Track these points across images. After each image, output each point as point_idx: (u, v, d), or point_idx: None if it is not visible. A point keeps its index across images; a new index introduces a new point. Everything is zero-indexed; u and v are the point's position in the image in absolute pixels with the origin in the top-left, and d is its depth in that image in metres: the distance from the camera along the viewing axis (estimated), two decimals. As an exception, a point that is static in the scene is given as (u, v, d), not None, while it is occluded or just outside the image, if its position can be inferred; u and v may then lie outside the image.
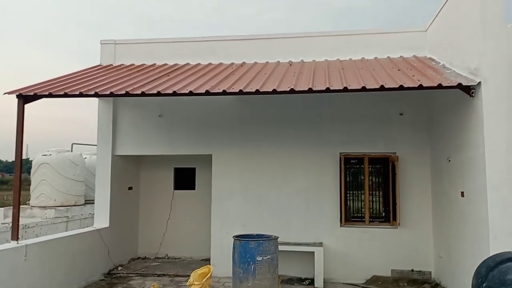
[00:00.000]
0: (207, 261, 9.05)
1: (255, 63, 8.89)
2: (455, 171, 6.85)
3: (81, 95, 6.67)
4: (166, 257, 10.18)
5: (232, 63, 8.94)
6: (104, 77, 7.92)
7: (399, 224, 8.27)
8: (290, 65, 8.53)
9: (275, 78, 7.19)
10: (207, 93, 6.43)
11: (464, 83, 5.77)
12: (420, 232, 8.24)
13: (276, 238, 6.84)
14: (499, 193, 5.53)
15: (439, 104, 7.71)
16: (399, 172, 8.35)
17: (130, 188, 10.02)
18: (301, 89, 6.24)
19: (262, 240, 6.64)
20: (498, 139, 5.59)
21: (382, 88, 5.93)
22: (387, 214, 8.59)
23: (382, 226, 8.47)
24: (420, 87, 5.85)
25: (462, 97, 6.13)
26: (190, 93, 6.47)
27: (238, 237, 6.80)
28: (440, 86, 5.80)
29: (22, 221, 8.28)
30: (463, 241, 6.55)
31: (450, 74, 6.39)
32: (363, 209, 8.74)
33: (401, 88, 5.89)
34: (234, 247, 6.73)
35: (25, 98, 6.69)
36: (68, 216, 10.70)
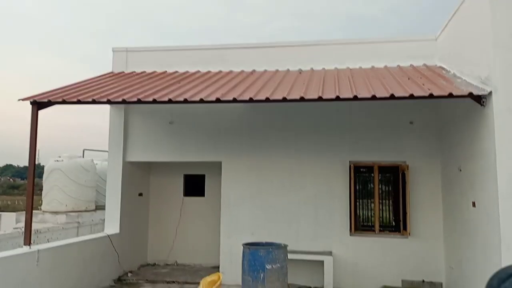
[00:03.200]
0: (216, 268, 9.05)
1: (265, 71, 8.95)
2: (466, 181, 6.80)
3: (93, 102, 6.77)
4: (175, 263, 10.20)
5: (242, 71, 9.01)
6: (116, 84, 8.03)
7: (409, 233, 8.21)
8: (300, 73, 8.57)
9: (285, 86, 7.23)
10: (218, 100, 6.48)
11: (475, 92, 5.75)
12: (430, 242, 8.17)
13: (286, 246, 6.83)
14: (511, 203, 5.47)
15: (449, 112, 7.67)
16: (409, 181, 8.30)
17: (140, 195, 10.09)
18: (311, 98, 6.27)
19: (272, 248, 6.65)
20: (509, 148, 5.54)
21: (392, 97, 5.93)
22: (397, 224, 8.53)
23: (392, 236, 8.41)
24: (431, 96, 5.84)
25: (473, 106, 6.10)
26: (201, 101, 6.54)
27: (247, 245, 6.81)
28: (450, 96, 5.78)
29: (34, 226, 8.37)
30: (474, 252, 6.48)
31: (461, 83, 6.37)
32: (372, 218, 8.69)
33: (411, 97, 5.88)
34: (243, 255, 6.74)
35: (39, 104, 6.81)
36: (79, 222, 10.80)
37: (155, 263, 10.24)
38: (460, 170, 7.06)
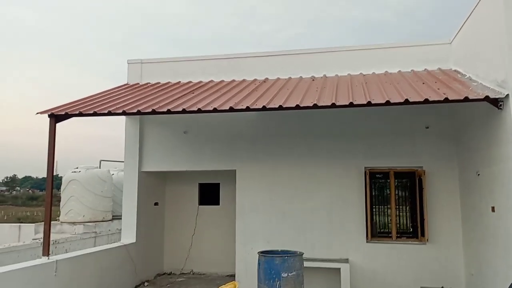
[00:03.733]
0: (232, 277, 9.04)
1: (278, 78, 8.97)
2: (485, 185, 6.67)
3: (109, 113, 6.86)
4: (191, 272, 10.22)
5: (255, 79, 9.05)
6: (131, 96, 8.14)
7: (427, 240, 8.08)
8: (313, 80, 8.56)
9: (298, 94, 7.23)
10: (231, 109, 6.52)
11: (492, 95, 5.67)
12: (449, 248, 8.02)
13: (301, 254, 6.79)
14: (532, 208, 5.36)
15: (466, 116, 7.57)
16: (426, 187, 8.19)
17: (156, 204, 10.16)
18: (324, 104, 6.26)
19: (287, 256, 6.61)
20: (529, 152, 5.43)
21: (406, 102, 5.87)
22: (415, 230, 8.40)
23: (410, 242, 8.28)
24: (446, 100, 5.77)
25: (489, 109, 6.01)
26: (215, 110, 6.58)
27: (263, 253, 6.79)
28: (466, 99, 5.71)
29: (52, 236, 8.49)
30: (495, 258, 6.34)
31: (477, 87, 6.28)
32: (389, 224, 8.58)
33: (426, 102, 5.82)
34: (259, 263, 6.71)
35: (56, 117, 6.94)
36: (96, 232, 10.93)
37: (171, 272, 10.27)
38: (479, 175, 6.94)
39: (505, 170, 5.81)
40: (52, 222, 9.32)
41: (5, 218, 31.25)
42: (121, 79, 9.87)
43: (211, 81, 9.31)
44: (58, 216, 11.62)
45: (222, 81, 9.22)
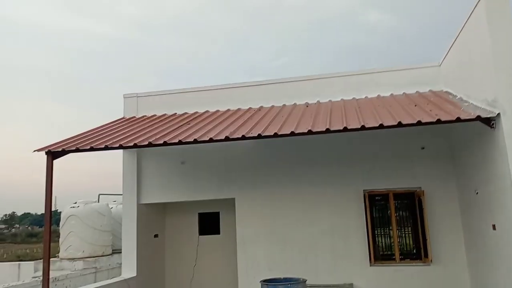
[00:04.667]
0: (235, 307, 8.88)
1: (272, 106, 9.08)
2: (484, 204, 6.68)
3: (106, 148, 6.92)
4: (194, 305, 10.04)
5: (250, 108, 9.15)
6: (127, 129, 8.22)
7: (431, 260, 8.02)
8: (307, 106, 8.67)
9: (292, 120, 7.31)
10: (227, 139, 6.58)
11: (483, 115, 5.75)
12: (454, 268, 7.95)
13: (305, 281, 6.72)
14: (532, 225, 5.35)
15: (460, 136, 7.64)
16: (426, 207, 8.18)
17: (156, 236, 10.08)
18: (318, 130, 6.33)
19: (290, 284, 6.55)
20: (524, 169, 5.47)
21: (399, 125, 5.95)
22: (418, 251, 8.35)
23: (414, 264, 8.21)
24: (439, 121, 5.85)
25: (483, 129, 6.08)
26: (211, 140, 6.64)
27: (265, 282, 6.72)
28: (458, 120, 5.79)
29: (52, 274, 8.39)
30: (499, 277, 6.29)
31: (468, 107, 6.38)
32: (392, 246, 8.52)
33: (419, 123, 5.90)
34: (261, 293, 6.63)
35: (53, 154, 6.98)
36: (96, 267, 10.79)
37: (174, 306, 10.09)
38: (477, 193, 6.96)
39: (502, 188, 5.83)
40: (51, 259, 9.23)
41: (5, 256, 30.82)
42: (118, 113, 9.95)
43: (207, 111, 9.41)
44: (58, 253, 11.49)
45: (218, 111, 9.32)
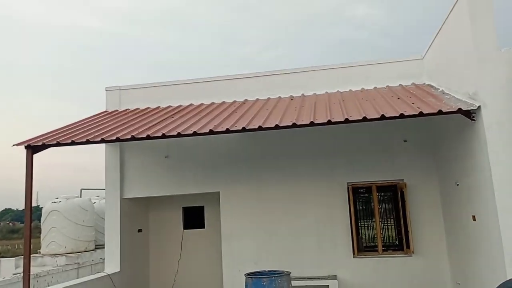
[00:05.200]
0: (220, 301, 8.89)
1: (257, 99, 9.06)
2: (465, 195, 6.80)
3: (88, 142, 6.80)
4: (178, 299, 10.01)
5: (235, 101, 9.11)
6: (110, 123, 8.10)
7: (413, 251, 8.14)
8: (292, 99, 8.67)
9: (277, 114, 7.30)
10: (211, 132, 6.54)
11: (464, 107, 5.83)
12: (435, 259, 8.09)
13: (289, 273, 6.74)
14: (511, 216, 5.46)
15: (442, 129, 7.74)
16: (408, 199, 8.30)
17: (139, 231, 10.00)
18: (303, 123, 6.33)
19: (275, 276, 6.56)
20: (503, 160, 5.58)
21: (383, 118, 6.00)
22: (400, 242, 8.46)
23: (396, 255, 8.33)
24: (421, 114, 5.91)
25: (464, 121, 6.17)
26: (194, 134, 6.59)
27: (250, 275, 6.73)
28: (440, 112, 5.86)
29: (33, 270, 8.25)
30: (479, 267, 6.42)
31: (450, 100, 6.46)
32: (375, 238, 8.62)
33: (401, 116, 5.95)
34: (246, 285, 6.64)
35: (33, 148, 6.84)
36: (79, 263, 10.65)
37: (158, 300, 10.04)
38: (458, 185, 7.07)
39: (482, 180, 5.94)
40: (32, 255, 9.08)
41: (-15, 253, 30.26)
42: (99, 107, 9.79)
43: (191, 104, 9.33)
44: (39, 249, 11.31)
45: (202, 104, 9.25)
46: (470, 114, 5.93)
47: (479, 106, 5.78)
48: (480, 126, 5.79)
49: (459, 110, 5.82)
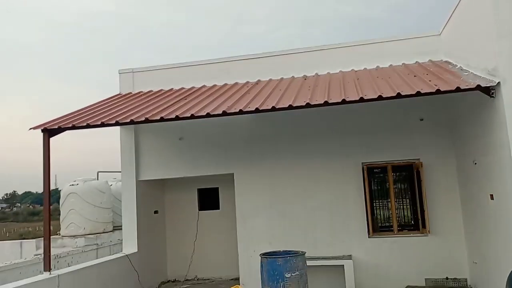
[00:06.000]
0: (236, 280, 9.02)
1: (270, 80, 8.97)
2: (483, 174, 6.68)
3: (102, 125, 6.85)
4: (195, 278, 10.20)
5: (247, 82, 9.04)
6: (124, 106, 8.13)
7: (429, 231, 8.09)
8: (305, 79, 8.56)
9: (290, 94, 7.23)
10: (224, 113, 6.51)
11: (483, 84, 5.68)
12: (451, 238, 8.03)
13: (304, 253, 6.78)
14: (530, 194, 5.36)
15: (459, 106, 7.58)
16: (425, 179, 8.20)
17: (155, 212, 10.14)
18: (317, 103, 6.25)
19: (290, 256, 6.60)
20: (523, 138, 5.43)
21: (399, 96, 5.88)
22: (416, 222, 8.41)
23: (411, 235, 8.29)
24: (438, 91, 5.78)
25: (482, 98, 6.01)
26: (208, 115, 6.57)
27: (265, 255, 6.78)
28: (458, 90, 5.72)
29: (53, 251, 8.46)
30: (496, 245, 6.35)
31: (468, 76, 6.29)
32: (391, 218, 8.59)
33: (418, 94, 5.83)
34: (261, 265, 6.70)
35: (49, 132, 6.92)
36: (97, 244, 10.89)
37: (175, 279, 10.25)
38: (475, 164, 6.95)
39: (500, 158, 5.81)
40: (52, 236, 9.31)
41: (7, 235, 31.16)
42: (113, 89, 9.84)
43: (204, 86, 9.30)
44: (59, 231, 11.58)
45: (215, 85, 9.21)
46: (489, 91, 5.77)
47: (499, 82, 5.62)
48: (500, 103, 5.64)
49: (478, 87, 5.67)
